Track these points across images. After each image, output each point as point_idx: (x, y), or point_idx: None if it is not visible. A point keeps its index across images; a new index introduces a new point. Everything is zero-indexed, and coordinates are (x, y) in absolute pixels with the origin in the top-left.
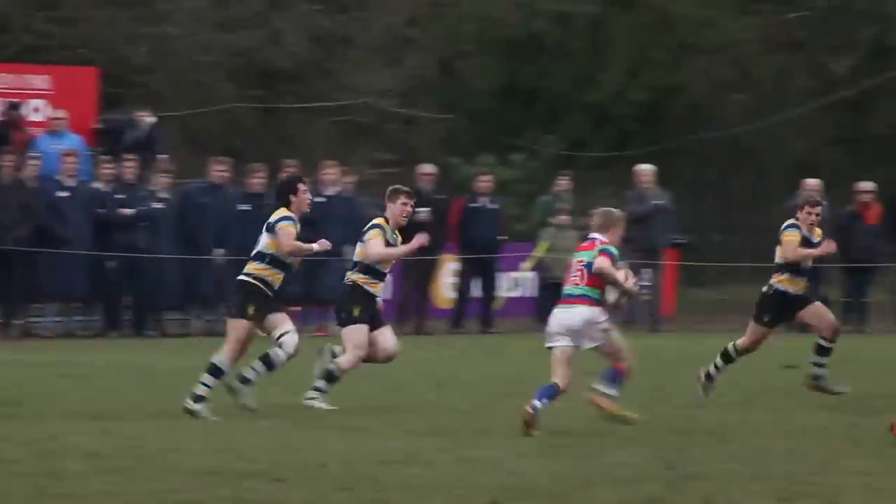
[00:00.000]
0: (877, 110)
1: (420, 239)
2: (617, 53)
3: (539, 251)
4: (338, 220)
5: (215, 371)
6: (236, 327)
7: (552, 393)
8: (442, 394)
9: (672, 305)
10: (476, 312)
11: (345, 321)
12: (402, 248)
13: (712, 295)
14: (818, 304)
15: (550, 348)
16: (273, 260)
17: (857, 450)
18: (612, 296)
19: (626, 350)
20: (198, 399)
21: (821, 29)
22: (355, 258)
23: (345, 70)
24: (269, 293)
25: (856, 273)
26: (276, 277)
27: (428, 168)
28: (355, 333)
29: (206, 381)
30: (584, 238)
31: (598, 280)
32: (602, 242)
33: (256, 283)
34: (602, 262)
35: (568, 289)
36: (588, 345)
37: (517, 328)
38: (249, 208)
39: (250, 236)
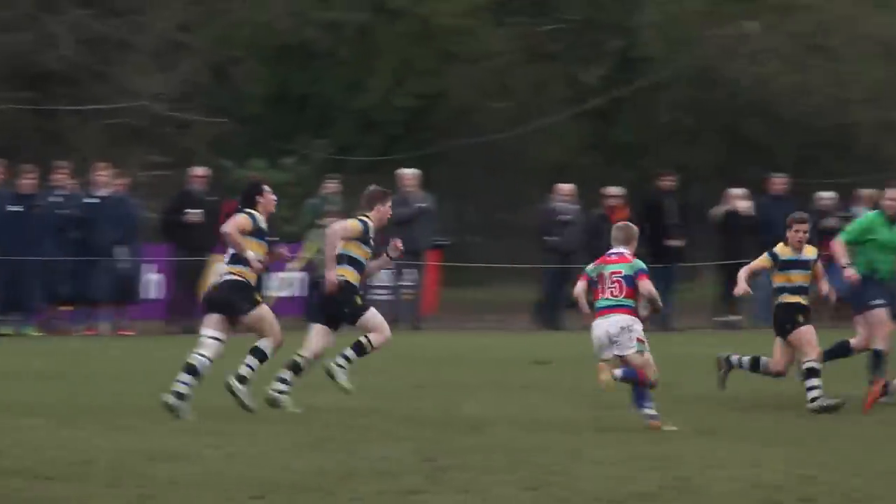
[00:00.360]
0: (624, 118)
1: (395, 249)
2: (383, 61)
3: (308, 252)
4: (110, 221)
5: (259, 354)
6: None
7: (647, 394)
8: (208, 390)
9: (434, 304)
10: None
11: (355, 313)
12: (374, 263)
13: (472, 294)
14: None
15: (606, 359)
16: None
17: (601, 441)
18: (643, 310)
19: (652, 366)
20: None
21: (573, 41)
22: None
23: (120, 73)
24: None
25: None
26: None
27: (200, 170)
28: (373, 317)
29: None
30: (612, 253)
31: (634, 292)
32: (633, 256)
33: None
34: (650, 286)
35: (606, 300)
36: (618, 352)
37: (287, 326)
38: (21, 209)
39: (20, 237)
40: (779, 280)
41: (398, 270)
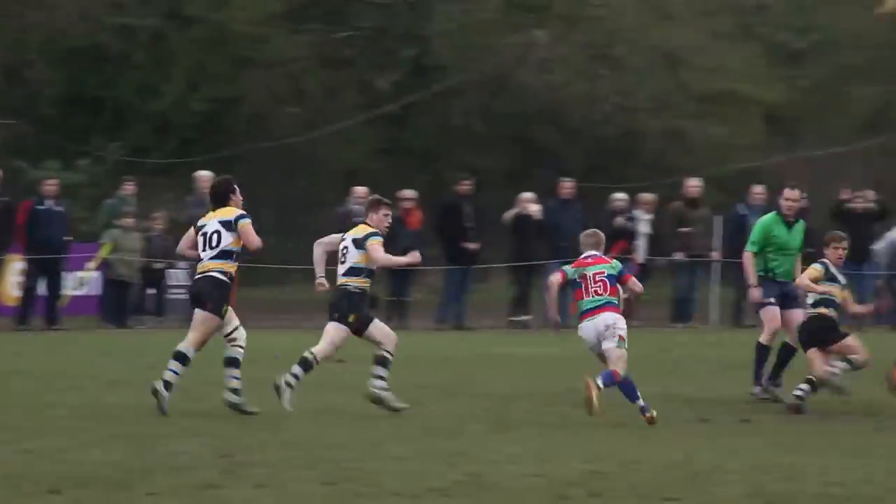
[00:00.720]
0: (417, 124)
1: (414, 255)
2: (177, 65)
3: (104, 251)
4: None
5: (237, 364)
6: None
7: (632, 386)
8: (5, 387)
9: (231, 304)
10: (42, 310)
11: (365, 322)
12: (401, 259)
13: (269, 294)
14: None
15: (599, 354)
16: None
17: (397, 436)
18: (621, 304)
19: (625, 361)
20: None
21: (367, 48)
22: (355, 264)
23: None
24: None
25: (399, 273)
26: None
27: None
28: (382, 327)
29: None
30: (588, 255)
31: (617, 290)
32: (610, 258)
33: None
34: (636, 282)
35: (593, 300)
36: (605, 345)
37: (82, 325)
38: None
39: None
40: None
41: (194, 270)
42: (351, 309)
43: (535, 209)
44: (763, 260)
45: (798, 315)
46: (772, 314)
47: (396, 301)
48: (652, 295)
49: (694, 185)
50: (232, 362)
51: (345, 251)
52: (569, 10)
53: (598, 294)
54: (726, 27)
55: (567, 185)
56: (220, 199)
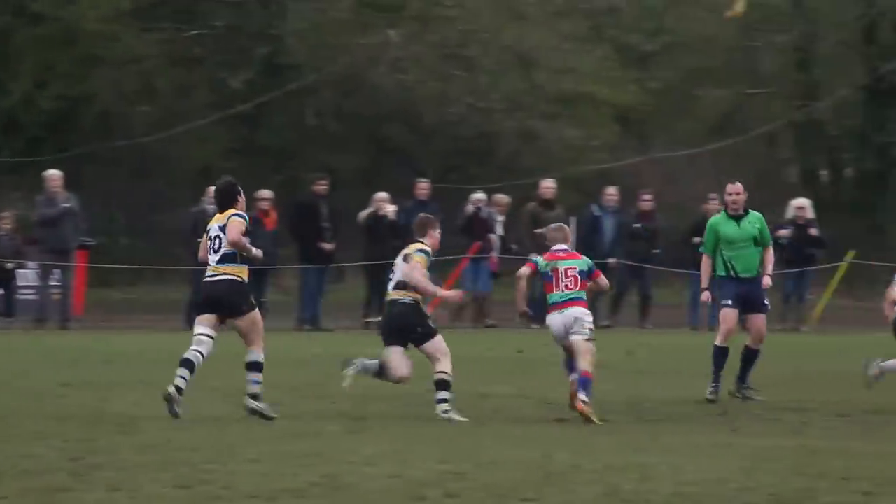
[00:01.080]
0: (271, 123)
1: (457, 294)
2: (24, 63)
3: None
4: None
5: (258, 367)
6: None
7: (589, 386)
8: None
9: (82, 304)
10: None
11: (425, 335)
12: (440, 292)
13: (121, 295)
14: None
15: (563, 347)
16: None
17: (252, 438)
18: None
19: (594, 354)
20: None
21: (219, 47)
22: (403, 277)
23: None
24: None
25: (257, 274)
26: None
27: None
28: (440, 342)
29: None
30: (560, 249)
31: (586, 285)
32: (580, 254)
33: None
34: (605, 280)
35: (562, 294)
36: (573, 336)
37: None
38: None
39: None
40: None
41: (45, 270)
42: (418, 321)
43: (389, 209)
44: (721, 260)
45: (760, 320)
46: (725, 315)
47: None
48: (508, 296)
49: (549, 186)
50: (253, 366)
51: (394, 267)
52: (421, 11)
53: (568, 288)
54: (578, 29)
55: (423, 186)
56: (225, 201)
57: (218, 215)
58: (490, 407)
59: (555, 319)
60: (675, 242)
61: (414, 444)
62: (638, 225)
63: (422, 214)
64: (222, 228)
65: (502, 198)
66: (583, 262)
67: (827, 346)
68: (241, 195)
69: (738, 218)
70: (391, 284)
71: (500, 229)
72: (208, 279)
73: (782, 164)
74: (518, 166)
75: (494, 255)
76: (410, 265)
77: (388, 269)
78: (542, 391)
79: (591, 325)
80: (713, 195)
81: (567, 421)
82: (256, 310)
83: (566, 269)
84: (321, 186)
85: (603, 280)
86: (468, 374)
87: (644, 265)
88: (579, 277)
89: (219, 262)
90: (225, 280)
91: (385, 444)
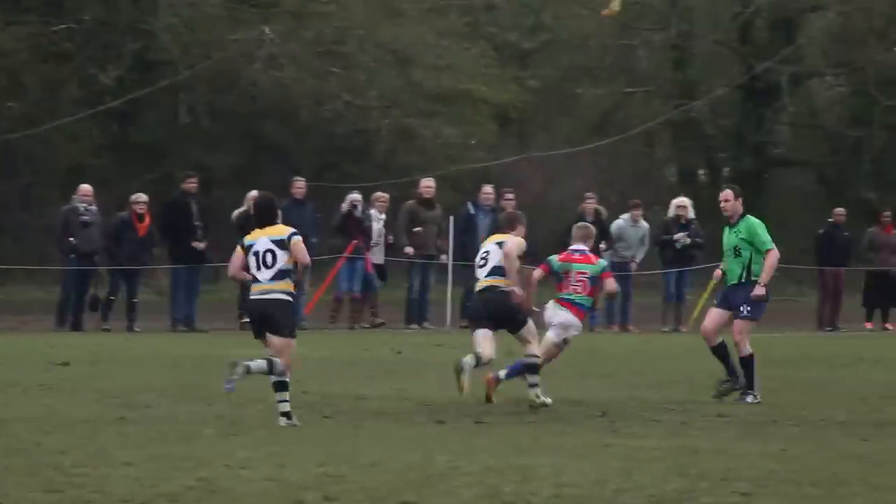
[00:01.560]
0: (143, 120)
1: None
2: None
3: None
4: None
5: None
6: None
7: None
8: None
9: None
10: None
11: (523, 321)
12: (520, 293)
13: None
14: None
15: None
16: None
17: (124, 442)
18: (601, 300)
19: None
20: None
21: (89, 42)
22: (497, 263)
23: None
24: None
25: (124, 273)
26: None
27: None
28: (532, 326)
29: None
30: (574, 250)
31: (594, 291)
32: (596, 257)
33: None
34: (614, 283)
35: (569, 294)
36: (548, 334)
37: None
38: None
39: None
40: None
41: None
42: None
43: None
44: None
45: (736, 325)
46: (708, 315)
47: (104, 301)
48: (387, 296)
49: (429, 185)
50: (280, 385)
51: (485, 255)
52: (297, 7)
53: (576, 292)
54: (456, 26)
55: (299, 184)
56: (267, 216)
57: (259, 230)
58: (369, 408)
59: (555, 309)
60: (554, 243)
61: (292, 446)
62: None
63: (509, 210)
64: (277, 243)
65: (381, 195)
66: (596, 266)
67: (706, 346)
68: (279, 209)
69: (730, 226)
70: (484, 271)
71: (381, 228)
72: (260, 296)
73: (661, 164)
74: (395, 165)
75: (371, 256)
76: (512, 257)
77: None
78: (421, 392)
79: (576, 334)
80: (590, 194)
81: (445, 423)
82: (294, 336)
83: (577, 273)
84: (191, 184)
85: (610, 283)
86: (346, 376)
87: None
88: (587, 283)
89: (273, 278)
90: (279, 300)
91: (262, 447)
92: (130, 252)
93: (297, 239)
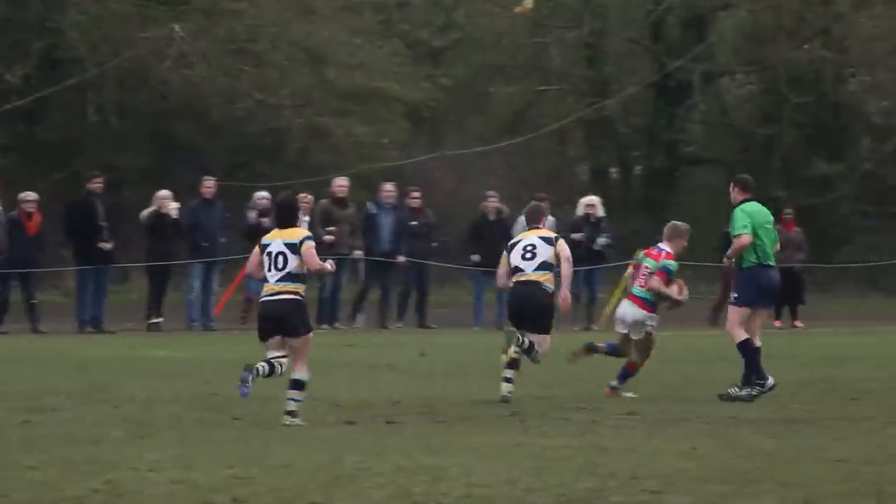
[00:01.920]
0: (50, 118)
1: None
2: None
3: None
4: None
5: (301, 385)
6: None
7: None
8: None
9: None
10: None
11: (546, 328)
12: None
13: None
14: None
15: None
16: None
17: (29, 445)
18: (664, 303)
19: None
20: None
21: None
22: (546, 259)
23: None
24: None
25: (27, 274)
26: None
27: None
28: (547, 342)
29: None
30: (654, 246)
31: (653, 285)
32: (667, 255)
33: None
34: (654, 282)
35: (636, 289)
36: (633, 337)
37: None
38: None
39: None
40: None
41: None
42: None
43: (172, 207)
44: None
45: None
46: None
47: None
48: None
49: (342, 184)
50: (297, 384)
51: (532, 248)
52: (208, 4)
53: (640, 286)
54: (368, 24)
55: (209, 184)
56: (287, 218)
57: (278, 231)
58: (279, 410)
59: (625, 308)
60: (464, 241)
61: (200, 448)
62: (415, 223)
63: (534, 203)
64: (289, 247)
65: (306, 196)
66: (656, 263)
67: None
68: (300, 211)
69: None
70: (532, 265)
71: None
72: (270, 297)
73: (574, 162)
74: (307, 164)
75: None
76: (567, 253)
77: (171, 269)
78: (331, 393)
79: (650, 328)
80: (492, 193)
81: (356, 423)
82: (311, 332)
83: (644, 267)
84: (97, 184)
85: (652, 282)
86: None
87: (424, 262)
88: (649, 277)
89: (280, 280)
90: (290, 300)
91: (170, 450)
92: (23, 252)
93: (309, 244)
